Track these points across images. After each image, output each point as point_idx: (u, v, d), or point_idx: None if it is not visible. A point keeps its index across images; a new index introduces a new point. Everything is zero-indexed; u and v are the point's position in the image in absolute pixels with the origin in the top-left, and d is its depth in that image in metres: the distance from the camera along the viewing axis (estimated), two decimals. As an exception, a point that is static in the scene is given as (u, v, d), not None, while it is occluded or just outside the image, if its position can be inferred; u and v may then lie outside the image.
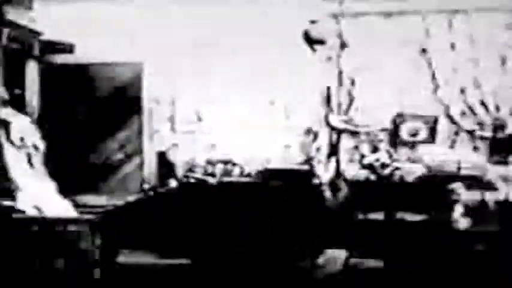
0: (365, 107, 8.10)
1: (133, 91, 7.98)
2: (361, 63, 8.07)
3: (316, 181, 7.58)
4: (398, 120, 8.02)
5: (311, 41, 8.15)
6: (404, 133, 8.08)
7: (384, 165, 7.27)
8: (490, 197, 6.47)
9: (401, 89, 7.99)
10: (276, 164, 8.06)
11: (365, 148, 7.95)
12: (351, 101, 8.15)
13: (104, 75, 7.91)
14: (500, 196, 6.47)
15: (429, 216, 6.44)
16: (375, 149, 7.95)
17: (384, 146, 7.85)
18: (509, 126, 7.72)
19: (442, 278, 5.43)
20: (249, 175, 8.08)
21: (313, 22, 8.11)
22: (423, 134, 8.02)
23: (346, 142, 8.16)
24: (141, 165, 7.90)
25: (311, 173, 7.66)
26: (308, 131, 8.23)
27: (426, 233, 6.21)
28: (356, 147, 8.14)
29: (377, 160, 7.40)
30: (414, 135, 8.06)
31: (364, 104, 8.10)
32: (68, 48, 7.08)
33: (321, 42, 8.14)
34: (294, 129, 8.29)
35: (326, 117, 8.18)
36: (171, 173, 8.08)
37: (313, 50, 8.17)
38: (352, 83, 8.13)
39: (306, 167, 7.89)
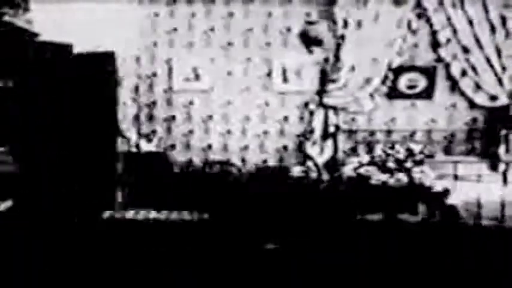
0: (356, 66, 8.05)
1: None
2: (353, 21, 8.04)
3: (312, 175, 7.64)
4: (395, 72, 8.07)
5: (308, 42, 8.16)
6: (402, 85, 8.13)
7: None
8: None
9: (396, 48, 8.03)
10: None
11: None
12: (337, 59, 8.10)
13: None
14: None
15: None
16: (370, 150, 7.97)
17: (380, 147, 7.87)
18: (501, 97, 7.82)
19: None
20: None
21: (310, 23, 8.12)
22: (421, 87, 8.10)
23: (342, 143, 8.20)
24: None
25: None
26: (306, 105, 8.24)
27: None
28: (353, 149, 8.19)
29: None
30: (412, 87, 8.11)
31: (356, 62, 8.04)
32: (66, 49, 7.04)
33: (318, 43, 8.14)
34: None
35: (320, 97, 8.16)
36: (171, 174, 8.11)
37: (310, 51, 8.18)
38: (342, 38, 8.09)
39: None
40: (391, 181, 6.73)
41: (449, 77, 8.07)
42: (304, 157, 8.20)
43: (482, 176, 6.37)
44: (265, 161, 8.45)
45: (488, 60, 7.79)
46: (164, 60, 8.46)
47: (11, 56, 5.80)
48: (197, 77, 8.43)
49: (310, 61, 8.24)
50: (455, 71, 7.95)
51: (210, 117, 8.48)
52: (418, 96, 8.22)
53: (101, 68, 6.83)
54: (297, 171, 7.95)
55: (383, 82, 8.11)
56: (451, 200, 6.10)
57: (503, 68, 7.78)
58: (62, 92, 6.42)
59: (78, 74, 6.61)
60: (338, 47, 8.09)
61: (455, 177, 6.32)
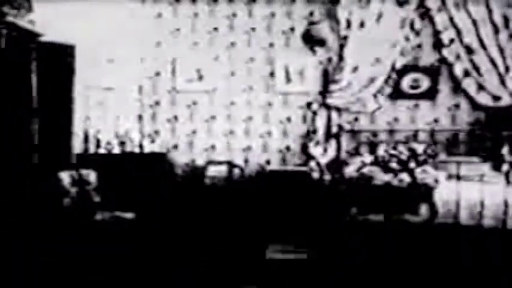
0: (359, 66, 8.03)
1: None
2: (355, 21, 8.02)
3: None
4: (398, 72, 8.06)
5: (311, 42, 8.15)
6: (405, 86, 8.11)
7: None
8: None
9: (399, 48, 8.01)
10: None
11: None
12: (340, 59, 8.09)
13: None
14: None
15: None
16: (373, 150, 7.95)
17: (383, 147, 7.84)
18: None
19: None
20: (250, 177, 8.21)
21: (312, 23, 8.11)
22: (424, 87, 8.08)
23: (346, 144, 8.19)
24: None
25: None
26: (308, 105, 8.24)
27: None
28: (356, 149, 8.18)
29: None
30: (415, 87, 8.10)
31: (357, 63, 8.02)
32: (69, 50, 7.05)
33: (321, 43, 8.13)
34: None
35: (323, 97, 8.14)
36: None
37: (313, 51, 8.18)
38: (345, 38, 8.06)
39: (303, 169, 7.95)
40: (394, 181, 6.73)
41: (453, 77, 8.04)
42: (307, 157, 8.19)
43: (485, 177, 6.34)
44: (268, 162, 8.45)
45: (491, 61, 7.76)
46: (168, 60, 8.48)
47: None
48: (200, 77, 8.44)
49: (313, 61, 8.24)
50: (458, 71, 7.92)
51: (213, 117, 8.49)
52: (421, 96, 8.20)
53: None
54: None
55: (386, 82, 8.10)
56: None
57: (507, 69, 7.75)
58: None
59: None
60: (341, 47, 8.09)
61: (458, 177, 6.29)
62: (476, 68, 7.84)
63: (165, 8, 8.42)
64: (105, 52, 7.87)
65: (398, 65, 8.06)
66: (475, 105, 8.05)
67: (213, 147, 8.47)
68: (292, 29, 8.33)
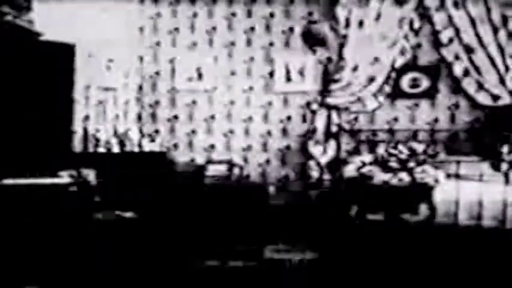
0: (359, 65, 8.02)
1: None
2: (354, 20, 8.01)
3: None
4: (398, 71, 8.07)
5: (310, 41, 8.17)
6: (404, 85, 8.12)
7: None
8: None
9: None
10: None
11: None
12: (340, 58, 8.09)
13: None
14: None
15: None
16: (373, 150, 7.95)
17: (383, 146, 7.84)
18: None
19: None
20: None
21: (312, 23, 8.13)
22: (424, 86, 8.09)
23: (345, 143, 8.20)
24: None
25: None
26: (308, 105, 8.26)
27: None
28: (356, 148, 8.19)
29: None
30: (414, 87, 8.11)
31: (357, 62, 8.02)
32: (68, 50, 7.04)
33: (321, 42, 8.15)
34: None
35: (323, 97, 8.15)
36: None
37: (313, 51, 8.19)
38: (344, 37, 8.06)
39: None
40: (394, 181, 6.73)
41: (452, 76, 8.04)
42: (306, 157, 8.20)
43: (484, 176, 6.34)
44: (268, 161, 8.46)
45: (491, 60, 7.76)
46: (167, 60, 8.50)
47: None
48: (200, 76, 8.45)
49: (313, 61, 8.24)
50: (457, 70, 7.93)
51: (213, 117, 8.50)
52: (421, 95, 8.21)
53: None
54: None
55: (386, 82, 8.11)
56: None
57: (506, 68, 7.76)
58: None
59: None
60: (340, 46, 8.09)
61: (458, 176, 6.29)
62: (476, 67, 7.84)
63: (164, 8, 8.43)
64: (105, 52, 7.86)
65: (397, 64, 8.05)
66: (474, 105, 8.05)
67: (212, 146, 8.48)
68: (291, 29, 8.33)
